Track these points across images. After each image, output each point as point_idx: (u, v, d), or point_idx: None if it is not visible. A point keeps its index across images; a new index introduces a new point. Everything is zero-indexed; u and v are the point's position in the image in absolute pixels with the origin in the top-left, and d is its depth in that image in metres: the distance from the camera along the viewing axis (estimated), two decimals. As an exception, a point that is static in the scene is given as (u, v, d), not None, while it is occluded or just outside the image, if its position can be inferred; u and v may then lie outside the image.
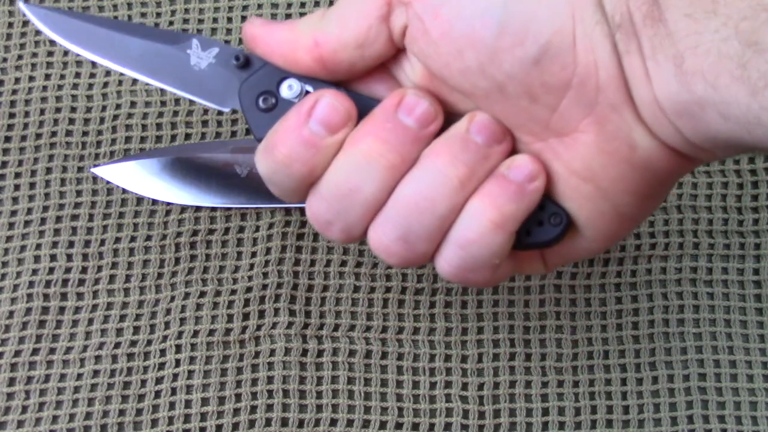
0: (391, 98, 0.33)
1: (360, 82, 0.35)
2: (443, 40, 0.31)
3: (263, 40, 0.35)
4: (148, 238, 0.47)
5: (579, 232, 0.33)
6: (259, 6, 0.51)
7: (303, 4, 0.51)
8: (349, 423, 0.44)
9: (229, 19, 0.51)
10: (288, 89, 0.36)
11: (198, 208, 0.47)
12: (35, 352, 0.45)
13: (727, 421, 0.44)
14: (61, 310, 0.46)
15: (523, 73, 0.30)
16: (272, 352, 0.44)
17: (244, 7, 0.51)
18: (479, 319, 0.45)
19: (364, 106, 0.34)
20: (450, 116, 0.33)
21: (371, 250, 0.34)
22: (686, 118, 0.29)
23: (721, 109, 0.28)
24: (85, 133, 0.49)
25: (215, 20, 0.51)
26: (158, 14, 0.51)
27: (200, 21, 0.51)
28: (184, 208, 0.47)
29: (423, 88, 0.33)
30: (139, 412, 0.44)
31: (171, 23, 0.51)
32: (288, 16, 0.51)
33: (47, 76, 0.50)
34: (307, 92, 0.35)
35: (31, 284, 0.46)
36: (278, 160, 0.33)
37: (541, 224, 0.34)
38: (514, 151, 0.33)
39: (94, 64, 0.50)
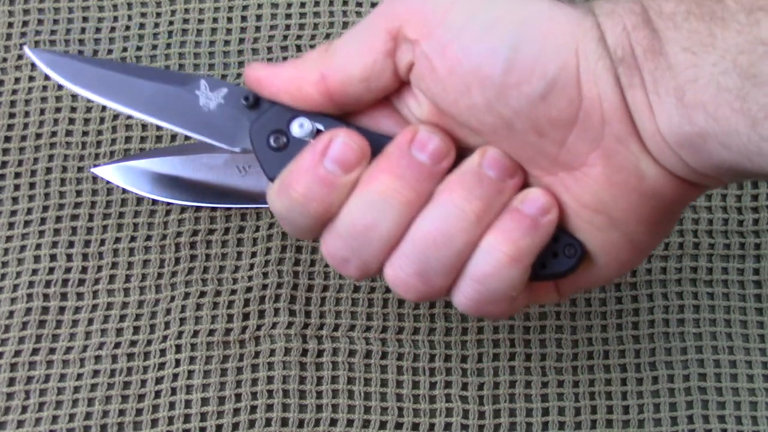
0: (404, 135, 0.33)
1: (366, 116, 0.35)
2: (451, 77, 0.31)
3: (268, 81, 0.35)
4: (148, 238, 0.47)
5: (592, 261, 0.34)
6: (259, 6, 0.51)
7: (303, 4, 0.51)
8: (349, 423, 0.44)
9: (229, 20, 0.51)
10: (299, 128, 0.36)
11: (198, 208, 0.47)
12: (35, 352, 0.45)
13: (727, 421, 0.44)
14: (61, 310, 0.46)
15: (531, 109, 0.31)
16: (272, 352, 0.44)
17: (244, 7, 0.51)
18: (479, 319, 0.45)
19: (376, 143, 0.34)
20: (460, 151, 0.34)
21: (388, 285, 0.34)
22: (689, 148, 0.29)
23: (722, 139, 0.28)
24: (85, 133, 0.49)
25: (215, 20, 0.51)
26: (158, 14, 0.51)
27: (200, 21, 0.51)
28: (184, 208, 0.47)
29: (432, 124, 0.34)
30: (139, 412, 0.44)
31: (171, 23, 0.51)
32: (288, 17, 0.51)
33: (47, 76, 0.50)
34: (318, 130, 0.35)
35: (31, 284, 0.46)
36: (294, 199, 0.33)
37: (556, 256, 0.34)
38: (525, 185, 0.33)
39: (94, 64, 0.50)
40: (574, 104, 0.30)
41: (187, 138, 0.49)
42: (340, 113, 0.35)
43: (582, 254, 0.34)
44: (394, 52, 0.33)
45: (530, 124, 0.31)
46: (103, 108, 0.49)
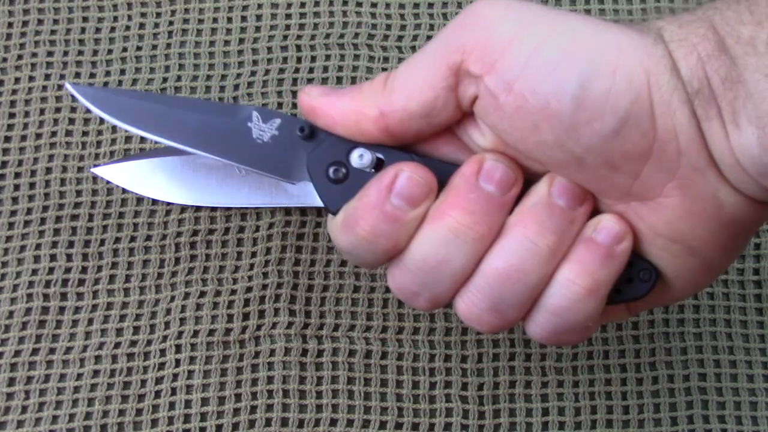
0: (470, 165, 0.32)
1: (427, 144, 0.34)
2: (518, 114, 0.30)
3: (324, 111, 0.34)
4: (148, 238, 0.47)
5: (667, 283, 0.33)
6: (259, 6, 0.51)
7: (303, 4, 0.51)
8: (349, 423, 0.44)
9: (229, 20, 0.51)
10: (359, 158, 0.35)
11: (198, 208, 0.47)
12: (35, 352, 0.45)
13: (727, 421, 0.44)
14: (61, 310, 0.46)
15: (603, 144, 0.30)
16: (272, 352, 0.44)
17: (244, 7, 0.51)
18: (479, 319, 0.45)
19: (440, 173, 0.33)
20: (527, 176, 0.33)
21: (459, 317, 0.33)
22: None
23: None
24: (85, 133, 0.49)
25: (215, 20, 0.51)
26: (158, 14, 0.51)
27: (200, 21, 0.51)
28: (184, 208, 0.47)
29: (497, 152, 0.33)
30: (139, 412, 0.44)
31: (171, 23, 0.51)
32: (288, 17, 0.51)
33: (47, 76, 0.50)
34: (379, 159, 0.34)
35: (31, 284, 0.46)
36: (361, 236, 0.33)
37: (631, 281, 0.33)
38: (596, 210, 0.33)
39: (93, 64, 0.50)
40: (648, 137, 0.29)
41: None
42: (399, 145, 0.34)
43: (656, 279, 0.33)
44: (456, 87, 0.32)
45: (602, 159, 0.30)
46: (103, 108, 0.49)
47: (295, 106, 0.49)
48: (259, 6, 0.51)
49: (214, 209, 0.47)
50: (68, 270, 0.46)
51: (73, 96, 0.39)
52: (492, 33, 0.30)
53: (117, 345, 0.45)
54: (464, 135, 0.34)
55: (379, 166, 0.35)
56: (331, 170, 0.35)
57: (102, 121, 0.49)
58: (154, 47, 0.51)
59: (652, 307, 0.39)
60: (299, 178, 0.37)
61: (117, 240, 0.47)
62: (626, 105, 0.29)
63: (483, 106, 0.31)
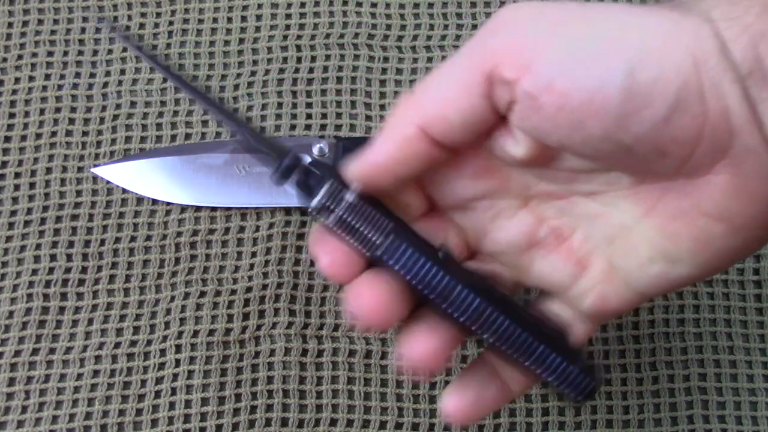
0: None
1: (455, 165, 0.33)
2: (561, 113, 0.29)
3: (375, 172, 0.32)
4: (148, 238, 0.47)
5: (685, 266, 0.32)
6: (259, 6, 0.51)
7: (303, 4, 0.51)
8: (349, 423, 0.44)
9: (229, 20, 0.51)
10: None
11: (198, 208, 0.47)
12: (35, 352, 0.45)
13: (727, 421, 0.44)
14: (61, 310, 0.46)
15: (653, 132, 0.29)
16: (272, 352, 0.44)
17: (244, 7, 0.51)
18: (479, 319, 0.45)
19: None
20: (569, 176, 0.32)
21: None
22: None
23: None
24: (85, 133, 0.49)
25: (215, 20, 0.51)
26: (158, 14, 0.51)
27: (200, 21, 0.51)
28: (184, 208, 0.47)
29: (528, 161, 0.32)
30: (139, 412, 0.44)
31: (171, 23, 0.51)
32: (288, 17, 0.51)
33: (47, 76, 0.50)
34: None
35: (31, 284, 0.46)
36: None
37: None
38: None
39: (93, 64, 0.50)
40: (699, 121, 0.29)
41: (187, 138, 0.49)
42: (446, 157, 0.32)
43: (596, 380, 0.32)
44: (491, 94, 0.30)
45: (652, 146, 0.29)
46: (103, 108, 0.49)
47: (295, 105, 0.49)
48: (259, 6, 0.51)
49: (214, 209, 0.47)
50: (68, 270, 0.46)
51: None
52: (525, 35, 0.30)
53: (117, 345, 0.45)
54: (496, 148, 0.32)
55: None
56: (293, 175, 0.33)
57: (102, 121, 0.49)
58: (154, 47, 0.51)
59: (665, 293, 0.39)
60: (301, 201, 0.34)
61: (117, 240, 0.47)
62: (675, 91, 0.28)
63: (521, 110, 0.30)
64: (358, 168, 0.32)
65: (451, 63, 0.31)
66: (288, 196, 0.47)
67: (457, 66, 0.31)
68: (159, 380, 0.44)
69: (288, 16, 0.51)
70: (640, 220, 0.32)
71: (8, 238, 0.47)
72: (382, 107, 0.49)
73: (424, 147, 0.31)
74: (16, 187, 0.48)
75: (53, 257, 0.46)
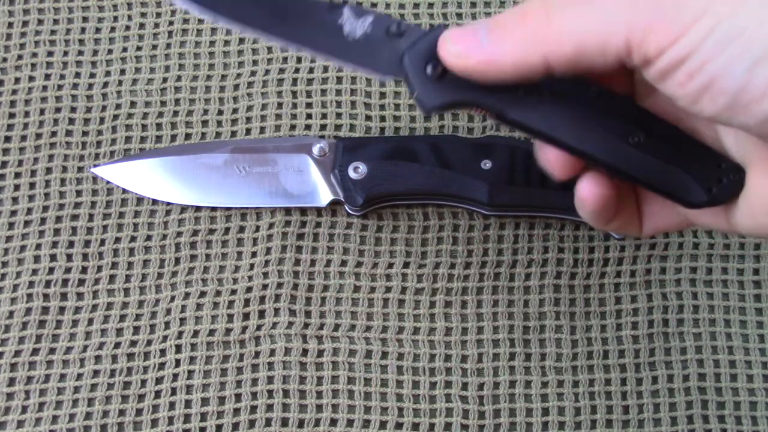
0: None
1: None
2: (687, 89, 0.30)
3: (486, 71, 0.32)
4: (148, 238, 0.47)
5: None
6: (259, 6, 0.51)
7: (303, 5, 0.51)
8: (349, 423, 0.44)
9: (229, 19, 0.51)
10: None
11: (198, 208, 0.47)
12: (35, 352, 0.45)
13: (726, 421, 0.44)
14: (61, 310, 0.46)
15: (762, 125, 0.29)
16: (272, 352, 0.44)
17: (244, 7, 0.51)
18: (479, 319, 0.45)
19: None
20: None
21: None
22: None
23: None
24: (85, 133, 0.49)
25: (215, 20, 0.51)
26: (158, 14, 0.51)
27: (200, 21, 0.51)
28: (184, 208, 0.47)
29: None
30: (139, 412, 0.44)
31: (171, 23, 0.51)
32: (288, 17, 0.51)
33: (47, 76, 0.50)
34: None
35: (31, 284, 0.46)
36: None
37: (720, 181, 0.34)
38: None
39: (94, 64, 0.50)
40: None
41: (187, 138, 0.49)
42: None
43: (744, 178, 0.34)
44: (629, 56, 0.30)
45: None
46: (103, 108, 0.49)
47: (295, 105, 0.49)
48: (259, 6, 0.51)
49: (214, 209, 0.47)
50: (68, 270, 0.46)
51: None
52: (678, 11, 0.29)
53: (117, 345, 0.45)
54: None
55: None
56: (429, 68, 0.34)
57: (102, 121, 0.49)
58: (154, 47, 0.51)
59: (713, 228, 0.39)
60: (392, 72, 0.36)
61: (117, 240, 0.47)
62: None
63: (655, 78, 0.30)
64: (471, 61, 0.32)
65: (599, 6, 0.30)
66: (288, 195, 0.47)
67: (604, 16, 0.30)
68: (159, 380, 0.44)
69: (288, 16, 0.51)
70: None
71: (8, 238, 0.47)
72: (382, 107, 0.49)
73: (535, 73, 0.31)
74: (16, 187, 0.48)
75: (53, 257, 0.46)
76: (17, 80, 0.50)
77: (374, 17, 0.36)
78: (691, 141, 0.36)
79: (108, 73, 0.50)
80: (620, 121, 0.35)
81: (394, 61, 0.35)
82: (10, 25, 0.51)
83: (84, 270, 0.46)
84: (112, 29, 0.51)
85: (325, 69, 0.50)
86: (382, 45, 0.36)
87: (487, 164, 0.45)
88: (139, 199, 0.47)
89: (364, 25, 0.36)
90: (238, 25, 0.37)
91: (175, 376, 0.44)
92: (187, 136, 0.49)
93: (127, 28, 0.51)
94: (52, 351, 0.45)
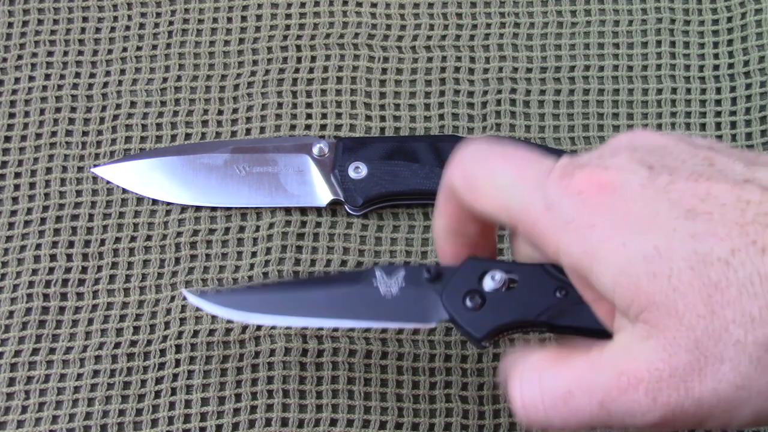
0: None
1: None
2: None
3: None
4: (148, 238, 0.47)
5: None
6: (259, 6, 0.51)
7: (303, 4, 0.51)
8: (349, 423, 0.44)
9: (229, 20, 0.51)
10: (491, 281, 0.35)
11: (198, 208, 0.47)
12: (35, 352, 0.45)
13: (727, 421, 0.43)
14: (61, 310, 0.46)
15: None
16: (272, 352, 0.44)
17: (244, 7, 0.51)
18: (479, 319, 0.45)
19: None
20: None
21: None
22: None
23: None
24: (85, 133, 0.49)
25: (215, 20, 0.51)
26: (158, 14, 0.51)
27: (200, 21, 0.51)
28: (184, 208, 0.47)
29: None
30: (139, 412, 0.44)
31: (171, 23, 0.51)
32: (288, 17, 0.51)
33: (47, 76, 0.50)
34: (511, 278, 0.35)
35: (31, 284, 0.46)
36: None
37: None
38: None
39: (94, 64, 0.50)
40: None
41: (187, 138, 0.49)
42: None
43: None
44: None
45: None
46: (103, 108, 0.49)
47: (295, 105, 0.49)
48: (259, 6, 0.51)
49: (214, 209, 0.47)
50: (68, 270, 0.46)
51: (197, 306, 0.41)
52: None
53: (117, 345, 0.45)
54: None
55: (511, 283, 0.35)
56: (467, 300, 0.35)
57: (102, 121, 0.49)
58: (154, 47, 0.51)
59: None
60: (436, 318, 0.37)
61: (117, 240, 0.47)
62: None
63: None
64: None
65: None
66: (288, 195, 0.47)
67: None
68: (159, 380, 0.44)
69: (288, 16, 0.51)
70: None
71: (8, 238, 0.47)
72: (382, 107, 0.49)
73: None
74: (16, 187, 0.48)
75: (53, 257, 0.46)
76: (17, 80, 0.50)
77: (406, 270, 0.38)
78: None
79: (108, 73, 0.50)
80: None
81: (436, 305, 0.37)
82: (10, 25, 0.51)
83: (84, 270, 0.46)
84: (112, 29, 0.51)
85: (325, 69, 0.50)
86: (421, 293, 0.37)
87: None
88: (139, 199, 0.47)
89: (398, 280, 0.38)
90: (279, 319, 0.39)
91: (175, 376, 0.44)
92: (187, 136, 0.49)
93: (127, 28, 0.51)
94: (52, 351, 0.45)
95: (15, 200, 0.48)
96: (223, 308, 0.40)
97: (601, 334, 0.34)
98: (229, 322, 0.45)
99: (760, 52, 0.49)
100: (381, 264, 0.40)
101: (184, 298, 0.45)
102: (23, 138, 0.49)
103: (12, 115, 0.49)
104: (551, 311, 0.35)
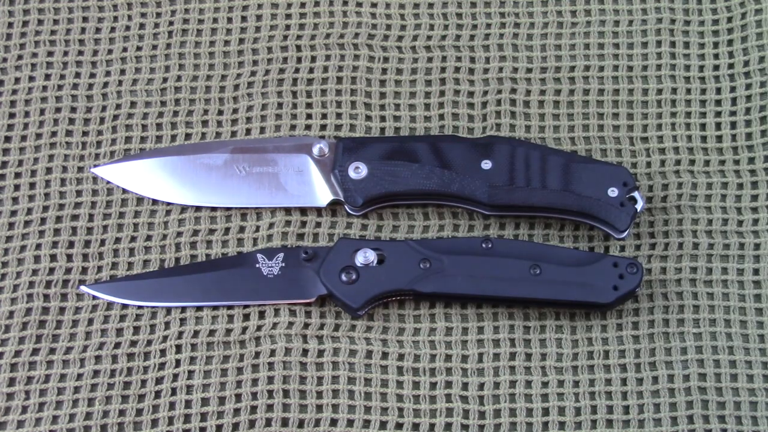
0: None
1: None
2: None
3: None
4: (148, 238, 0.47)
5: None
6: (259, 6, 0.51)
7: (303, 4, 0.51)
8: (350, 423, 0.44)
9: (229, 20, 0.51)
10: (363, 257, 0.43)
11: (198, 208, 0.47)
12: (35, 352, 0.45)
13: (727, 421, 0.44)
14: (61, 310, 0.46)
15: None
16: (273, 353, 0.44)
17: (244, 8, 0.51)
18: (479, 319, 0.45)
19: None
20: None
21: None
22: None
23: None
24: (85, 133, 0.49)
25: (215, 20, 0.51)
26: (158, 14, 0.51)
27: (200, 21, 0.51)
28: (184, 208, 0.47)
29: None
30: (139, 412, 0.44)
31: (171, 23, 0.51)
32: (288, 17, 0.51)
33: (47, 76, 0.50)
34: (380, 254, 0.43)
35: (31, 284, 0.46)
36: None
37: (622, 277, 0.43)
38: None
39: (94, 64, 0.50)
40: None
41: (187, 138, 0.49)
42: None
43: (643, 269, 0.43)
44: None
45: None
46: (103, 108, 0.49)
47: (295, 105, 0.49)
48: (259, 6, 0.51)
49: (214, 209, 0.47)
50: (68, 270, 0.46)
51: (93, 296, 0.45)
52: None
53: (117, 345, 0.45)
54: None
55: (381, 260, 0.42)
56: (342, 275, 0.42)
57: (102, 121, 0.49)
58: (154, 47, 0.51)
59: None
60: (315, 292, 0.43)
61: (117, 240, 0.47)
62: None
63: None
64: None
65: None
66: (288, 195, 0.47)
67: None
68: (159, 380, 0.44)
69: (288, 16, 0.51)
70: None
71: (8, 238, 0.47)
72: (382, 107, 0.49)
73: None
74: (16, 187, 0.48)
75: (53, 257, 0.46)
76: (17, 80, 0.50)
77: (285, 252, 0.44)
78: (583, 253, 0.44)
79: (108, 73, 0.50)
80: (517, 261, 0.43)
81: (312, 282, 0.43)
82: (10, 25, 0.51)
83: (84, 270, 0.46)
84: (112, 29, 0.51)
85: (325, 69, 0.50)
86: (300, 272, 0.44)
87: (487, 164, 0.45)
88: (139, 199, 0.47)
89: (278, 261, 0.44)
90: (167, 303, 0.45)
91: (175, 376, 0.44)
92: (187, 136, 0.49)
93: (127, 28, 0.51)
94: (52, 351, 0.45)
95: (15, 200, 0.48)
96: (118, 297, 0.44)
97: (458, 298, 0.44)
98: (229, 322, 0.45)
99: (760, 52, 0.49)
100: (263, 248, 0.45)
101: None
102: (23, 138, 0.49)
103: (12, 115, 0.49)
104: (417, 280, 0.43)
